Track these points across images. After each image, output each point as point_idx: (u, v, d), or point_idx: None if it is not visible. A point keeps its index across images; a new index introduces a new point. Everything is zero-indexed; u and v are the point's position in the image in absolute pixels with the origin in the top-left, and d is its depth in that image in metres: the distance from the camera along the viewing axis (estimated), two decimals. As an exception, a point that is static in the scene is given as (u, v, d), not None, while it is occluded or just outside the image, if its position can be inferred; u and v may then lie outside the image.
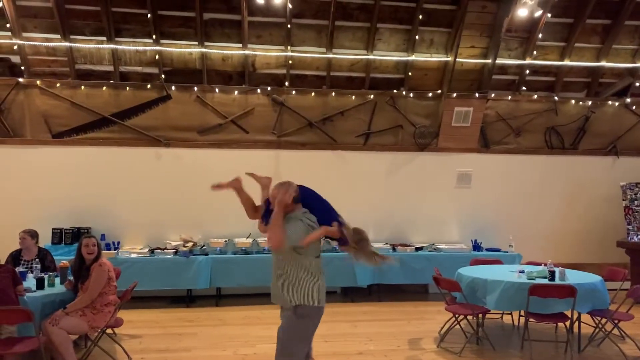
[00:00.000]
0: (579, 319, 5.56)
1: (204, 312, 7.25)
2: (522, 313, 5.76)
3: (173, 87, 7.84)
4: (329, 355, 5.22)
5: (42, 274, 5.21)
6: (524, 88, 8.57)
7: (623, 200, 8.36)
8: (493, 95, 8.44)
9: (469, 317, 5.79)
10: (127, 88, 7.78)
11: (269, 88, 8.02)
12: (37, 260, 5.71)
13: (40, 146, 7.70)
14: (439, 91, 8.35)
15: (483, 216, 8.68)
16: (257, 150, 8.15)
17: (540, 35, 8.08)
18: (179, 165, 7.99)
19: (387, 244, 8.31)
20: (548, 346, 5.66)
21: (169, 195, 7.97)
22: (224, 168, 8.01)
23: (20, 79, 7.52)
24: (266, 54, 7.98)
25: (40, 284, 4.92)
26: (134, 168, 7.91)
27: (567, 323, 5.35)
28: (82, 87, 7.68)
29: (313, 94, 8.14)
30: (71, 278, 4.99)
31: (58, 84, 7.62)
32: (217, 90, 7.94)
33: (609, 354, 5.43)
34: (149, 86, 7.80)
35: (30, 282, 5.06)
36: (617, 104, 8.80)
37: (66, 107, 7.70)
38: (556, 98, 8.64)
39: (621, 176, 8.69)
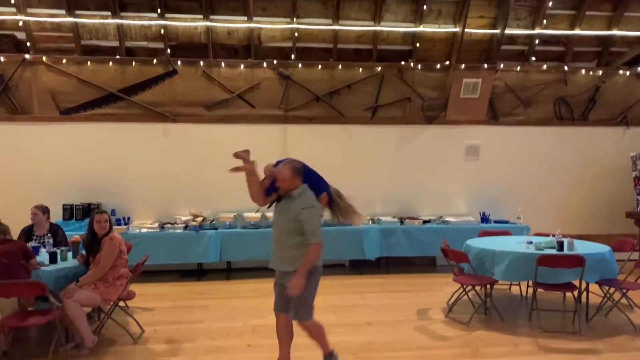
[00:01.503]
0: (587, 288, 5.58)
1: (215, 285, 7.35)
2: (530, 283, 5.79)
3: (179, 62, 7.80)
4: (339, 326, 5.28)
5: (55, 249, 5.29)
6: (534, 58, 8.46)
7: (633, 171, 8.30)
8: (502, 66, 8.33)
9: (477, 288, 5.83)
10: (133, 63, 7.76)
11: (275, 61, 7.96)
12: (49, 235, 5.79)
13: (48, 123, 7.73)
14: (447, 62, 8.25)
15: (491, 188, 8.66)
16: (264, 125, 8.14)
17: (550, 4, 7.92)
18: (187, 141, 8.01)
19: (395, 217, 8.34)
20: (556, 316, 5.70)
21: (177, 170, 8.02)
22: (232, 143, 7.98)
23: (27, 56, 7.51)
24: (272, 26, 7.89)
25: (53, 258, 5.00)
26: (142, 144, 7.94)
27: (575, 293, 5.37)
28: (88, 63, 7.67)
29: (320, 67, 8.07)
30: (83, 252, 5.06)
31: (64, 60, 7.61)
32: (222, 64, 7.90)
33: (616, 323, 5.46)
34: (154, 61, 7.76)
35: (43, 256, 5.14)
36: (628, 73, 8.67)
37: (73, 83, 7.70)
38: (566, 68, 8.52)
39: (631, 147, 8.62)
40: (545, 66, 8.50)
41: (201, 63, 7.84)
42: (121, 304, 5.34)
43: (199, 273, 7.85)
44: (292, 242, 3.84)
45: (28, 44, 7.51)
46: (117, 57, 7.73)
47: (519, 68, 8.44)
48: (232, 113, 8.06)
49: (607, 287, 5.60)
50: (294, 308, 3.90)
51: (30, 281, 4.38)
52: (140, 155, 7.95)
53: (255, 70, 7.99)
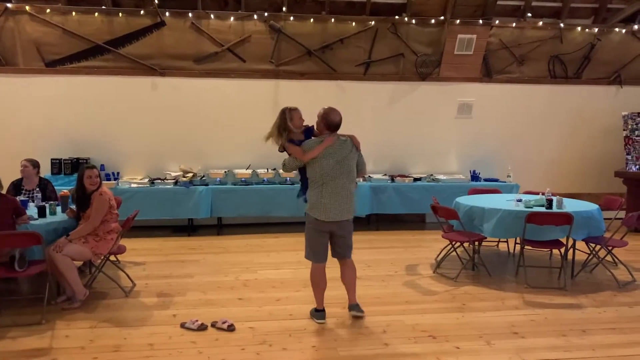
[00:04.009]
0: (573, 246, 5.67)
1: (206, 241, 7.38)
2: (518, 240, 5.86)
3: (167, 13, 7.58)
4: (328, 280, 5.34)
5: (43, 203, 5.25)
6: (529, 14, 8.30)
7: (624, 130, 8.32)
8: (497, 22, 8.19)
9: (466, 245, 5.89)
10: (120, 14, 7.52)
11: (266, 14, 7.76)
12: (38, 190, 5.74)
13: (34, 75, 7.54)
14: (442, 17, 8.09)
15: (483, 147, 8.67)
16: (255, 80, 8.00)
17: (548, -42, 7.73)
18: (176, 95, 7.87)
19: (385, 174, 8.35)
20: (542, 272, 5.81)
21: (167, 125, 7.92)
22: (222, 98, 7.99)
23: (9, 5, 7.25)
24: (263, -23, 7.67)
25: (42, 213, 4.96)
26: (131, 98, 7.80)
27: (562, 250, 5.45)
28: (73, 13, 7.43)
29: (312, 20, 7.88)
30: (73, 207, 5.03)
31: (48, 10, 7.36)
32: (212, 16, 7.68)
33: (601, 279, 5.58)
34: (142, 12, 7.53)
35: (32, 210, 5.11)
36: (624, 31, 8.56)
37: (58, 34, 7.48)
38: (562, 25, 8.39)
39: (623, 106, 8.60)
40: (541, 22, 8.36)
41: (190, 14, 7.62)
42: (112, 258, 5.35)
43: (190, 228, 7.88)
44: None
45: (10, -8, 7.25)
46: (103, 7, 7.49)
47: (514, 24, 8.29)
48: (222, 67, 7.90)
49: (593, 245, 5.68)
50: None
51: (26, 232, 4.36)
52: (128, 110, 7.82)
53: (246, 22, 7.79)
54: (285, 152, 4.28)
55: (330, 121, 4.17)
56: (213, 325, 4.17)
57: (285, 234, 7.65)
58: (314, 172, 4.13)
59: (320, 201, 4.12)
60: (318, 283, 4.30)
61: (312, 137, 4.25)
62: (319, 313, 4.31)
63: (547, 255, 6.47)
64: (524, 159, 8.71)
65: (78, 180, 4.82)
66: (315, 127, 4.30)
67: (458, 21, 7.97)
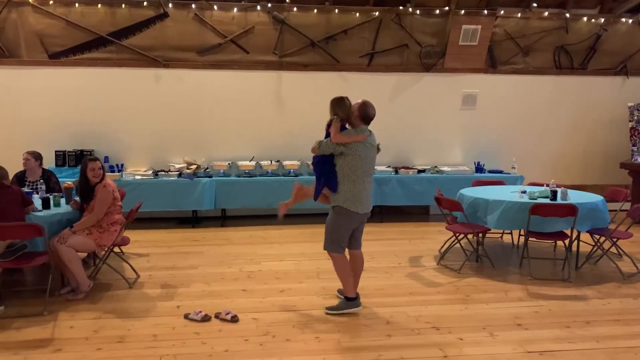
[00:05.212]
0: (578, 237, 5.65)
1: (210, 232, 7.39)
2: (522, 232, 5.84)
3: (170, 5, 7.56)
4: (332, 272, 5.34)
5: (47, 195, 5.26)
6: (535, 5, 8.22)
7: (630, 121, 8.26)
8: (502, 12, 8.12)
9: (469, 236, 5.87)
10: (123, 6, 7.50)
11: (269, 5, 7.72)
12: (42, 181, 5.75)
13: (37, 67, 7.55)
14: (447, 8, 8.03)
15: (487, 138, 8.63)
16: (258, 71, 7.98)
17: (555, -53, 7.65)
18: (180, 87, 7.87)
19: (389, 166, 8.32)
20: (546, 263, 5.79)
21: (170, 117, 7.92)
22: (225, 90, 7.97)
23: (12, -4, 7.25)
24: (266, -33, 7.62)
25: (46, 204, 4.97)
26: (134, 89, 7.80)
27: (567, 241, 5.42)
28: (77, 4, 7.41)
29: (315, 10, 7.84)
30: (77, 198, 5.04)
31: (51, 2, 7.35)
32: (215, 7, 7.65)
33: (605, 270, 5.56)
34: (145, 3, 7.51)
35: (36, 202, 5.10)
36: (630, 21, 8.47)
37: (61, 26, 7.47)
38: (567, 15, 8.31)
39: (629, 97, 8.54)
40: (546, 13, 8.29)
41: (193, 6, 7.60)
42: (116, 250, 5.37)
43: (193, 220, 7.89)
44: None
45: (12, -17, 7.24)
46: (106, -2, 7.48)
47: (519, 14, 8.22)
48: (225, 58, 7.88)
49: (597, 236, 5.65)
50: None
51: (27, 223, 4.38)
52: (132, 102, 7.82)
53: (249, 13, 7.76)
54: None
55: (366, 114, 4.31)
56: (217, 316, 4.18)
57: (288, 226, 7.64)
58: (356, 166, 4.14)
59: (360, 194, 4.18)
60: (348, 271, 4.35)
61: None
62: (353, 301, 4.35)
63: (551, 247, 6.46)
64: (528, 150, 8.67)
65: (81, 172, 4.83)
66: (349, 118, 4.32)
67: (463, 11, 7.91)
